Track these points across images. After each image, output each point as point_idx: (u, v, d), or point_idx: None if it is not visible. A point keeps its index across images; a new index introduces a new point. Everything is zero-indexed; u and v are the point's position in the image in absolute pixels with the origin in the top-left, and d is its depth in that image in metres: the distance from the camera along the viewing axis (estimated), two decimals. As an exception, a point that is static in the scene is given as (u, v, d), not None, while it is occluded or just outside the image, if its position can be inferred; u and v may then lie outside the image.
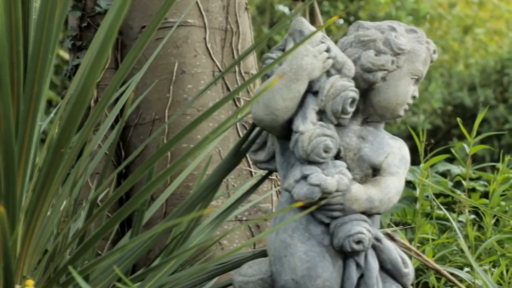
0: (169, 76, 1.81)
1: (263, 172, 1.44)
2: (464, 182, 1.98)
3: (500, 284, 1.54)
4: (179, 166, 1.16)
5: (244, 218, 1.76)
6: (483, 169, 2.53)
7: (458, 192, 2.10)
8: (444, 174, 2.74)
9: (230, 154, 1.26)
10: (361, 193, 1.23)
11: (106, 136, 1.84)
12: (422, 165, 2.01)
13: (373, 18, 5.91)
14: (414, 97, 1.32)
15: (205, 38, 1.83)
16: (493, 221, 1.86)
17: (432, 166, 2.31)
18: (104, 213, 1.29)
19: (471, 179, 2.26)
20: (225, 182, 1.78)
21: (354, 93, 1.24)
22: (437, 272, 1.12)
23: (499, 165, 1.96)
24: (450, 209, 2.13)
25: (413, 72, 1.30)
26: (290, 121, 1.23)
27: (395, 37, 1.28)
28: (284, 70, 1.21)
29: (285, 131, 1.24)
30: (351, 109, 1.24)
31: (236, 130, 1.82)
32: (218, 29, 1.85)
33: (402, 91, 1.29)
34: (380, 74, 1.27)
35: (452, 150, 1.96)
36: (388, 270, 1.27)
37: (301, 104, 1.23)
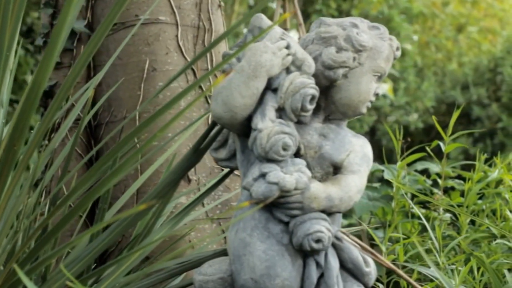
0: (140, 74, 1.80)
1: (235, 171, 1.43)
2: (439, 181, 1.97)
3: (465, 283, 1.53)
4: (144, 160, 1.15)
5: (215, 217, 1.75)
6: (467, 167, 2.52)
7: (436, 190, 2.09)
8: (428, 173, 2.73)
9: (190, 152, 1.25)
10: (320, 191, 1.21)
11: (80, 136, 1.83)
12: (398, 163, 1.99)
13: (365, 16, 5.90)
14: (377, 95, 1.31)
15: (177, 36, 1.82)
16: (468, 219, 1.85)
17: (411, 164, 2.29)
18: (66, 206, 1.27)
19: (452, 178, 2.26)
20: (196, 181, 1.76)
21: (313, 90, 1.22)
22: (393, 271, 1.11)
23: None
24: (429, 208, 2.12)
25: (375, 69, 1.28)
26: (249, 119, 1.22)
27: (357, 34, 1.27)
28: (242, 67, 1.20)
29: (245, 129, 1.23)
30: (310, 107, 1.23)
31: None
32: (190, 26, 1.84)
33: (364, 89, 1.28)
34: (341, 71, 1.26)
35: (427, 149, 1.95)
36: (349, 269, 1.25)
37: (260, 101, 1.22)
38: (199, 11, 1.85)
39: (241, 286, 1.23)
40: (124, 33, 1.82)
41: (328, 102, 1.28)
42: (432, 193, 2.06)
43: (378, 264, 1.19)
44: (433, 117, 1.91)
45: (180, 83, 1.81)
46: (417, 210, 1.73)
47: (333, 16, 5.97)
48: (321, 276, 1.23)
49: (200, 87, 1.82)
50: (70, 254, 1.41)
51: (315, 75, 1.25)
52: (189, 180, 1.75)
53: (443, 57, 6.24)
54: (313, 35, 1.29)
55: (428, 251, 1.84)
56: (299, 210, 1.21)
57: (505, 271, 1.49)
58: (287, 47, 1.23)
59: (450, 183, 2.03)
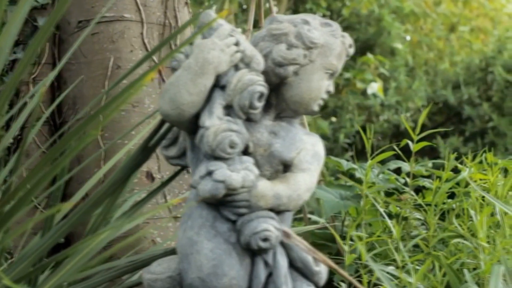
0: (105, 72, 1.79)
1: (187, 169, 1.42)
2: (408, 180, 1.96)
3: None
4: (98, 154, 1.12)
5: (179, 215, 1.73)
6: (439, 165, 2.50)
7: (408, 189, 2.07)
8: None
9: (138, 149, 1.24)
10: (267, 189, 1.20)
11: (45, 135, 1.82)
12: (368, 162, 1.98)
13: (356, 16, 5.88)
14: (328, 92, 1.29)
15: (142, 33, 1.81)
16: (436, 218, 1.83)
17: (384, 163, 2.28)
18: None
19: (425, 177, 2.24)
20: (160, 179, 1.75)
21: (262, 88, 1.21)
22: (336, 271, 1.10)
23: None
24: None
25: (327, 67, 1.27)
26: (198, 116, 1.21)
27: (308, 31, 1.25)
28: (189, 64, 1.19)
29: (194, 126, 1.22)
30: (259, 104, 1.22)
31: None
32: (156, 24, 1.83)
33: (315, 86, 1.26)
34: (291, 68, 1.25)
35: (395, 148, 1.93)
36: (299, 268, 1.24)
37: (209, 98, 1.21)
38: (165, 8, 1.84)
39: (188, 285, 1.22)
40: (89, 30, 1.80)
41: (279, 99, 1.27)
42: (401, 192, 2.05)
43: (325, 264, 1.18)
44: (402, 116, 1.90)
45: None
46: (380, 208, 1.72)
47: (324, 16, 5.95)
48: (270, 275, 1.22)
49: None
50: (24, 249, 1.40)
51: (265, 73, 1.24)
52: (153, 179, 1.75)
53: (435, 56, 6.22)
54: (265, 32, 1.28)
55: (398, 249, 1.83)
56: (246, 209, 1.20)
57: (465, 271, 1.48)
58: (236, 44, 1.22)
59: (421, 182, 2.02)
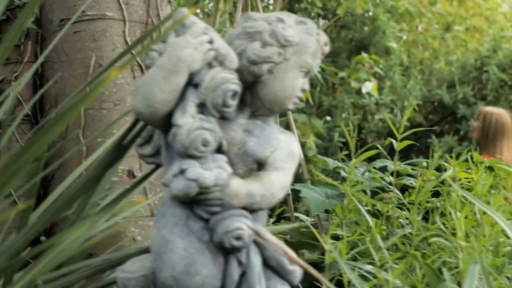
0: (86, 70, 1.79)
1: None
2: (391, 178, 1.95)
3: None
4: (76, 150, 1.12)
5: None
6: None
7: (392, 188, 2.07)
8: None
9: (112, 148, 1.23)
10: (240, 188, 1.20)
11: (26, 132, 1.82)
12: (352, 161, 1.97)
13: (351, 15, 5.87)
14: (303, 90, 1.29)
15: (124, 32, 1.80)
16: (419, 217, 1.83)
17: (370, 162, 2.27)
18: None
19: (412, 176, 2.23)
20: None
21: (235, 86, 1.21)
22: (307, 270, 1.10)
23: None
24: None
25: (302, 65, 1.26)
26: (171, 114, 1.20)
27: (282, 29, 1.25)
28: (163, 62, 1.19)
29: (167, 125, 1.21)
30: (232, 102, 1.21)
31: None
32: (138, 22, 1.83)
33: (290, 84, 1.26)
34: (266, 66, 1.24)
35: (379, 146, 1.93)
36: (273, 267, 1.24)
37: (182, 97, 1.20)
38: (147, 7, 1.84)
39: (162, 284, 1.22)
40: (71, 29, 1.80)
41: (254, 98, 1.27)
42: (385, 190, 2.04)
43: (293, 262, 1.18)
44: (386, 115, 1.89)
45: (127, 79, 1.79)
46: (361, 207, 1.71)
47: (319, 15, 5.95)
48: (244, 274, 1.22)
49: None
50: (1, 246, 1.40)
51: (240, 71, 1.23)
52: (134, 177, 1.74)
53: (430, 55, 6.22)
54: (239, 30, 1.27)
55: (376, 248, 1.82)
56: (219, 207, 1.19)
57: (444, 270, 1.47)
58: (210, 42, 1.21)
59: (405, 181, 2.01)
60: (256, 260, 1.22)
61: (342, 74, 5.52)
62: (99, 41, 1.79)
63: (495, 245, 1.57)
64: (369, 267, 1.49)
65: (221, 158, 1.20)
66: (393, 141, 1.93)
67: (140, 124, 1.25)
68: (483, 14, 6.16)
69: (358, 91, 5.66)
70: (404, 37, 6.19)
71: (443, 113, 6.12)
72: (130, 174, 1.73)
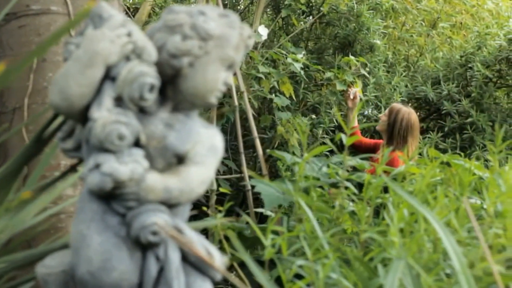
0: (30, 64, 1.77)
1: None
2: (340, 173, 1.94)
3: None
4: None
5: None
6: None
7: (348, 184, 2.05)
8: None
9: (31, 142, 1.22)
10: (157, 182, 1.18)
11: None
12: (304, 156, 1.96)
13: (336, 12, 5.85)
14: (226, 84, 1.27)
15: (68, 26, 1.78)
16: (368, 213, 1.82)
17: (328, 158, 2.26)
18: None
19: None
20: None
21: (152, 79, 1.20)
22: (210, 266, 1.08)
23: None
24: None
25: (224, 58, 1.25)
26: (88, 108, 1.19)
27: (203, 22, 1.23)
28: (79, 56, 1.17)
29: (86, 118, 1.20)
30: (149, 96, 1.20)
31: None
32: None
33: (211, 78, 1.25)
34: (186, 59, 1.23)
35: (329, 142, 1.92)
36: (192, 263, 1.23)
37: (99, 90, 1.19)
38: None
39: (79, 279, 1.20)
40: (16, 23, 1.79)
41: (176, 91, 1.25)
42: (337, 186, 2.03)
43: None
44: (338, 113, 1.87)
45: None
46: (303, 203, 1.70)
47: (303, 11, 5.93)
48: (162, 269, 1.21)
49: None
50: None
51: (160, 64, 1.22)
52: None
53: (416, 52, 6.20)
54: (161, 23, 1.26)
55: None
56: (136, 202, 1.18)
57: (379, 265, 1.46)
58: (128, 35, 1.20)
59: (354, 177, 2.00)
60: (174, 256, 1.20)
61: (328, 74, 5.49)
62: (43, 36, 1.77)
63: (433, 241, 1.56)
64: (301, 262, 1.48)
65: (138, 153, 1.19)
66: (343, 136, 1.91)
67: (60, 118, 1.24)
68: (469, 11, 6.14)
69: (343, 93, 5.63)
70: (387, 33, 6.15)
71: (428, 109, 6.10)
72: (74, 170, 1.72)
